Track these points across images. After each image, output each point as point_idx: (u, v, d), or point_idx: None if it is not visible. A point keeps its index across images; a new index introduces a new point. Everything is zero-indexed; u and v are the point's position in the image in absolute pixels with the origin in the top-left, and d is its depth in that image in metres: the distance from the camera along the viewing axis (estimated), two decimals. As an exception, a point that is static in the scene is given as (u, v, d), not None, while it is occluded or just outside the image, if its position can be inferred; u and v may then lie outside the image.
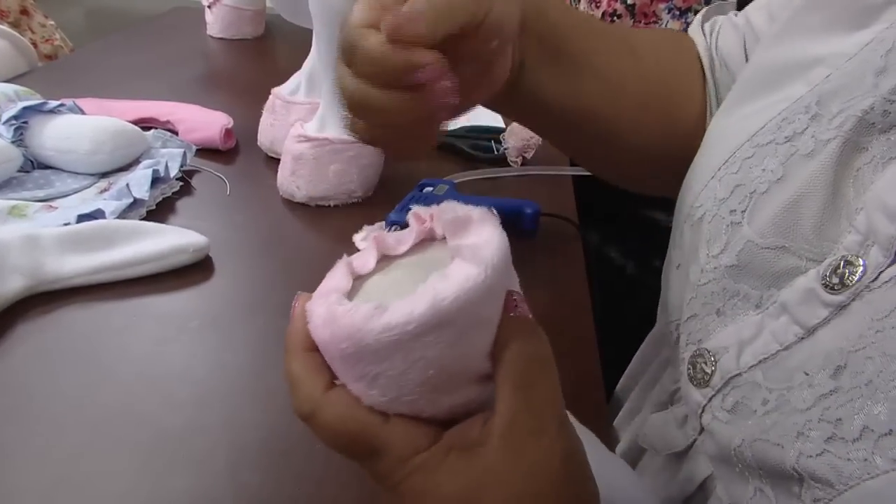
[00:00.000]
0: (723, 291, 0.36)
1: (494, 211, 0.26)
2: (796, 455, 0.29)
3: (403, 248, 0.28)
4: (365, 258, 0.28)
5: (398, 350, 0.23)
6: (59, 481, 0.40)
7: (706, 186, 0.38)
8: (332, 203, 0.69)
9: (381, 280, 0.27)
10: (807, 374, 0.30)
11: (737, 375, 0.34)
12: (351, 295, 0.26)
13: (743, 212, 0.35)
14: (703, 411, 0.36)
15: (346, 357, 0.24)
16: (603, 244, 1.05)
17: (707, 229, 0.37)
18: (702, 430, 0.37)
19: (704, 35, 0.50)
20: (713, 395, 0.35)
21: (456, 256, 0.24)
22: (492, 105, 0.44)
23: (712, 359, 0.35)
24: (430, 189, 0.68)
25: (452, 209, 0.26)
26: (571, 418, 0.34)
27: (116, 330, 0.52)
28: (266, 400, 0.46)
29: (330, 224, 0.67)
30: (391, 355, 0.23)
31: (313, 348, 0.26)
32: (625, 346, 0.59)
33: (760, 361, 0.32)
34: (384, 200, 0.68)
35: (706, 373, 0.35)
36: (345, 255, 0.28)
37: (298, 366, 0.26)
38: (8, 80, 0.86)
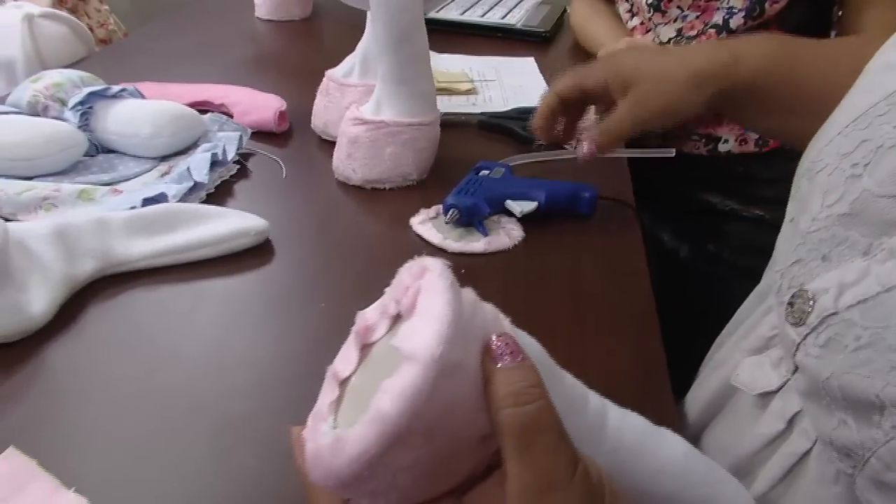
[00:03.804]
0: (831, 238, 0.35)
1: (446, 267, 0.24)
2: (883, 385, 0.29)
3: (379, 334, 0.26)
4: (346, 357, 0.26)
5: (375, 470, 0.22)
6: (127, 464, 0.40)
7: (831, 142, 0.37)
8: (387, 186, 0.69)
9: (354, 384, 0.26)
10: None
11: (833, 314, 0.33)
12: (337, 405, 0.26)
13: (865, 165, 0.34)
14: (797, 350, 0.36)
15: (336, 489, 0.24)
16: (654, 226, 1.02)
17: (825, 181, 0.37)
18: (795, 369, 0.37)
19: None
20: (808, 334, 0.35)
21: (399, 356, 0.22)
22: None
23: (811, 300, 0.35)
24: (487, 172, 0.67)
25: (406, 275, 0.24)
26: (634, 415, 0.32)
27: (181, 313, 0.52)
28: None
29: (386, 207, 0.67)
30: (371, 477, 0.23)
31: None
32: (676, 334, 0.58)
33: (859, 302, 0.32)
34: (440, 183, 0.67)
35: (804, 311, 0.35)
36: (330, 368, 0.27)
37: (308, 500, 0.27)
38: (68, 66, 0.88)
